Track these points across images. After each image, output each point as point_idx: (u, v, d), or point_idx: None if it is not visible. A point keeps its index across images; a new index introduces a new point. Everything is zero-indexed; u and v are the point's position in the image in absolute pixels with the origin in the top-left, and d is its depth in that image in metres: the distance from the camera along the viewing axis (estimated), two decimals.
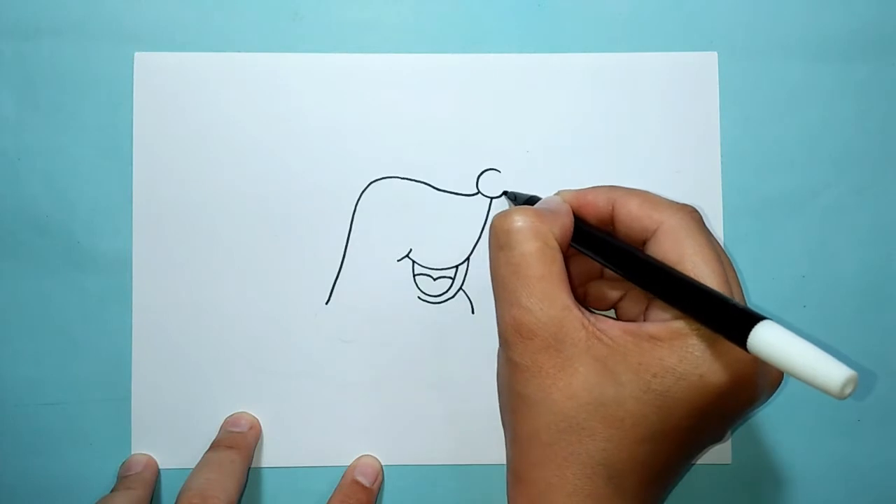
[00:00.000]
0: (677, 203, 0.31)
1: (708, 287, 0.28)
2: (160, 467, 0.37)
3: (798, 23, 0.39)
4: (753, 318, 0.25)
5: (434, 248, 0.38)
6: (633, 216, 0.31)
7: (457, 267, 0.38)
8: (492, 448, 0.37)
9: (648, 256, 0.30)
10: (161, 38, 0.38)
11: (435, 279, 0.38)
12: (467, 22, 0.38)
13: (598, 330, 0.29)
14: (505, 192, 0.38)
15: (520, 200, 0.36)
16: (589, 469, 0.28)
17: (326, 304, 0.38)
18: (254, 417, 0.37)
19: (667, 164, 0.38)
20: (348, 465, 0.37)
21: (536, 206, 0.33)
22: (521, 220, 0.30)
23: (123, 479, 0.36)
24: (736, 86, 0.38)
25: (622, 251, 0.31)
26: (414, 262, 0.38)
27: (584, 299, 0.36)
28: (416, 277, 0.38)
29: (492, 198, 0.38)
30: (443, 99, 0.38)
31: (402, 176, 0.38)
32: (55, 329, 0.38)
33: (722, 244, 0.38)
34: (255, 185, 0.38)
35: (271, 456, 0.37)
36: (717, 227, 0.38)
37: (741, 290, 0.31)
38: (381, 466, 0.37)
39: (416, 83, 0.38)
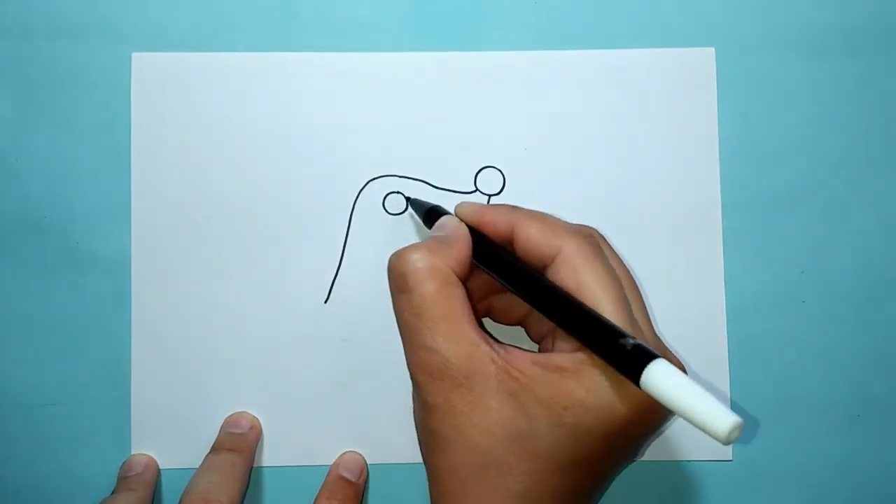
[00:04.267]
0: (577, 227, 0.32)
1: (604, 319, 0.28)
2: (160, 467, 0.37)
3: (796, 18, 0.39)
4: (646, 357, 0.25)
5: None
6: (532, 242, 0.31)
7: None
8: None
9: (548, 282, 0.30)
10: (158, 39, 0.38)
11: None
12: (464, 20, 0.38)
13: (508, 363, 0.28)
14: (408, 199, 0.37)
15: (422, 210, 0.35)
16: (508, 502, 0.28)
17: (325, 302, 0.38)
18: (254, 417, 0.37)
19: (665, 160, 0.38)
20: None
21: (431, 233, 0.33)
22: (415, 259, 0.30)
23: (124, 479, 0.36)
24: (734, 82, 0.38)
25: (522, 274, 0.31)
26: None
27: (488, 313, 0.36)
28: None
29: (490, 195, 0.38)
30: (440, 97, 0.38)
31: (400, 174, 0.38)
32: (54, 330, 0.38)
33: (720, 240, 0.38)
34: (254, 184, 0.38)
35: (271, 455, 0.37)
36: (715, 224, 0.38)
37: (647, 317, 0.31)
38: (366, 461, 0.37)
39: (414, 81, 0.38)
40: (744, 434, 0.38)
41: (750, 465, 0.38)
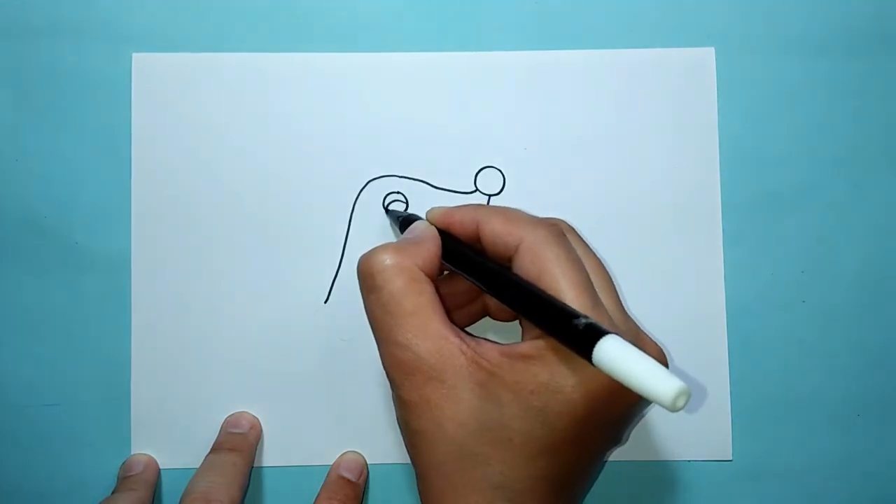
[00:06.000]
0: (539, 219, 0.32)
1: (558, 302, 0.28)
2: (160, 467, 0.37)
3: (795, 18, 0.39)
4: (598, 334, 0.25)
5: None
6: (496, 234, 0.31)
7: None
8: None
9: (508, 272, 0.30)
10: (159, 39, 0.38)
11: None
12: (464, 20, 0.38)
13: (477, 354, 0.29)
14: (387, 210, 0.38)
15: (398, 218, 0.36)
16: (489, 494, 0.29)
17: (325, 303, 0.38)
18: (254, 417, 0.37)
19: (665, 160, 0.38)
20: None
21: (403, 235, 0.34)
22: (383, 259, 0.30)
23: (125, 479, 0.36)
24: (734, 82, 0.38)
25: (483, 267, 0.31)
26: None
27: (485, 311, 0.36)
28: None
29: (490, 195, 0.38)
30: (440, 97, 0.38)
31: (400, 174, 0.38)
32: (54, 330, 0.38)
33: (720, 240, 0.38)
34: (254, 184, 0.38)
35: (271, 455, 0.37)
36: (715, 224, 0.38)
37: (618, 302, 0.31)
38: (366, 461, 0.37)
39: (415, 81, 0.38)
40: (744, 434, 0.38)
41: (750, 465, 0.38)
